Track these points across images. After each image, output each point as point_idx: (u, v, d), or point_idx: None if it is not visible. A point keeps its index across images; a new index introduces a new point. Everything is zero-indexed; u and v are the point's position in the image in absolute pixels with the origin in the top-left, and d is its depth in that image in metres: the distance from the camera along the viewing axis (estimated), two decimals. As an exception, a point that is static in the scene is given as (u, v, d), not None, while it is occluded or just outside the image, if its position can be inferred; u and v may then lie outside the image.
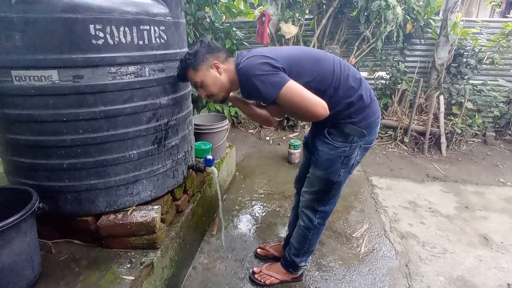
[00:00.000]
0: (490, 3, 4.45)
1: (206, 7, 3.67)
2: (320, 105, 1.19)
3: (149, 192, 1.50)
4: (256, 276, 1.67)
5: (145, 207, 1.45)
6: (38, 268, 1.21)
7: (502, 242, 2.06)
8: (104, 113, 1.30)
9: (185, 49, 1.65)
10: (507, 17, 4.38)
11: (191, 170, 1.77)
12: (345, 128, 1.30)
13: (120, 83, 1.31)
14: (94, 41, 1.22)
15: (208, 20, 3.71)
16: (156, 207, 1.44)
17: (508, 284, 1.71)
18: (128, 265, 1.29)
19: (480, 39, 3.84)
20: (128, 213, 1.40)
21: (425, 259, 1.89)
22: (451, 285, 1.69)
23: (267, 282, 1.65)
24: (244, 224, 2.21)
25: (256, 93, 1.21)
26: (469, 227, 2.22)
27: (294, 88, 1.17)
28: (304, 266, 1.66)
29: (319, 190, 1.44)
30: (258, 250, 1.88)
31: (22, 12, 1.14)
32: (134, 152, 1.40)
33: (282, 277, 1.67)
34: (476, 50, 3.82)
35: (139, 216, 1.39)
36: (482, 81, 3.99)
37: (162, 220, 1.49)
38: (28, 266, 1.14)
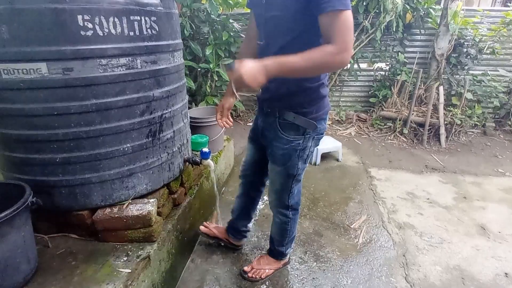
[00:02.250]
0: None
1: (202, -1, 3.62)
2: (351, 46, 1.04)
3: (144, 186, 1.49)
4: (249, 274, 1.66)
5: (141, 201, 1.44)
6: (35, 262, 1.21)
7: (499, 232, 2.06)
8: (96, 106, 1.28)
9: (178, 41, 1.63)
10: (508, 6, 4.32)
11: (187, 163, 1.76)
12: (295, 120, 1.26)
13: (112, 76, 1.29)
14: (82, 32, 1.19)
15: (204, 12, 3.66)
16: (152, 200, 1.44)
17: (506, 273, 1.71)
18: (125, 258, 1.29)
19: (480, 29, 3.79)
20: (124, 206, 1.40)
21: (422, 249, 1.89)
22: (447, 274, 1.70)
23: (263, 276, 1.66)
24: (242, 217, 2.21)
25: None
26: (466, 217, 2.22)
27: (351, 17, 1.01)
28: (290, 250, 1.71)
29: (282, 186, 1.44)
30: (201, 227, 1.86)
31: (8, 3, 1.11)
32: (128, 145, 1.39)
33: (274, 267, 1.70)
34: (477, 40, 3.77)
35: (135, 209, 1.38)
36: (483, 71, 3.95)
37: (159, 213, 1.49)
38: (24, 260, 1.14)
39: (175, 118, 1.59)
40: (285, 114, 1.28)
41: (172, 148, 1.59)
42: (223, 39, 3.65)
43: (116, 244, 1.38)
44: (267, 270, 1.68)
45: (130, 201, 1.44)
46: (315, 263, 1.77)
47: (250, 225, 1.84)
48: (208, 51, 3.60)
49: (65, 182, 1.34)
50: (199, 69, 3.78)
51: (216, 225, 1.93)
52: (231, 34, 3.79)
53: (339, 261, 1.79)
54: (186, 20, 3.38)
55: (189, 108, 2.28)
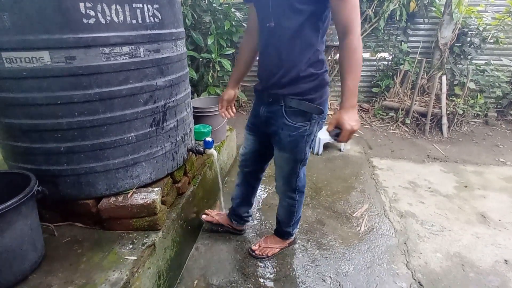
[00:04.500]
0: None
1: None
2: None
3: (148, 175, 1.50)
4: (256, 252, 1.73)
5: (145, 190, 1.45)
6: (41, 250, 1.23)
7: (499, 220, 2.08)
8: (99, 95, 1.28)
9: (181, 29, 1.61)
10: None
11: (191, 152, 1.76)
12: (301, 106, 1.27)
13: (115, 64, 1.28)
14: (85, 20, 1.18)
15: (206, 1, 3.61)
16: (156, 189, 1.45)
17: (505, 260, 1.73)
18: (130, 246, 1.31)
19: (485, 18, 3.73)
20: (129, 195, 1.41)
21: (423, 236, 1.91)
22: (448, 261, 1.72)
23: (269, 254, 1.72)
24: (245, 206, 2.23)
25: None
26: (467, 206, 2.24)
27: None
28: (296, 230, 1.77)
29: (290, 171, 1.48)
30: (203, 216, 1.88)
31: (10, -9, 1.10)
32: (132, 134, 1.39)
33: (280, 246, 1.76)
34: (481, 29, 3.73)
35: (139, 198, 1.39)
36: (486, 61, 3.92)
37: (163, 202, 1.50)
38: (31, 248, 1.16)
39: (179, 108, 1.59)
40: (291, 101, 1.28)
41: (176, 137, 1.60)
42: (225, 28, 3.61)
43: (121, 233, 1.40)
44: (273, 249, 1.74)
45: (135, 190, 1.45)
46: (317, 251, 1.80)
47: (251, 210, 1.88)
48: (210, 41, 3.56)
49: (69, 171, 1.35)
50: (201, 59, 3.75)
51: (217, 211, 1.96)
52: (233, 23, 3.74)
53: (341, 249, 1.81)
54: (188, 9, 3.34)
55: (191, 98, 2.28)
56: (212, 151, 1.71)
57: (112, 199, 1.41)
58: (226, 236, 1.90)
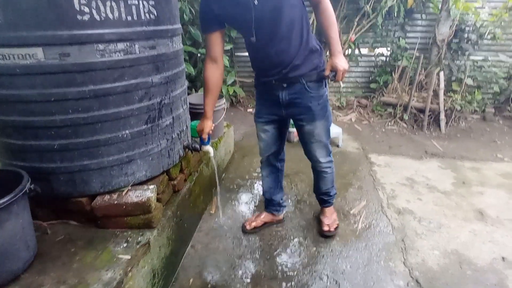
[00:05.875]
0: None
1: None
2: None
3: (144, 172, 1.48)
4: (331, 229, 1.85)
5: (140, 187, 1.44)
6: (34, 249, 1.21)
7: (497, 217, 2.08)
8: (93, 92, 1.26)
9: (177, 25, 1.59)
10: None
11: (187, 149, 1.75)
12: (319, 75, 1.48)
13: (109, 61, 1.26)
14: (79, 17, 1.17)
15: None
16: (151, 187, 1.44)
17: (503, 257, 1.73)
18: (125, 245, 1.29)
19: (482, 13, 3.72)
20: (123, 193, 1.40)
21: (421, 234, 1.91)
22: (445, 259, 1.72)
23: (337, 226, 1.89)
24: (242, 203, 2.22)
25: None
26: (465, 202, 2.24)
27: None
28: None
29: (326, 136, 1.65)
30: (247, 227, 1.89)
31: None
32: (127, 131, 1.37)
33: (335, 214, 1.96)
34: (478, 25, 3.71)
35: (134, 196, 1.38)
36: (483, 57, 3.91)
37: (158, 200, 1.49)
38: (23, 247, 1.14)
39: (174, 104, 1.57)
40: (308, 76, 1.47)
41: (172, 134, 1.58)
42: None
43: (115, 231, 1.38)
44: (336, 219, 1.93)
45: (130, 187, 1.43)
46: (314, 248, 1.79)
47: (284, 196, 2.00)
48: (207, 37, 3.53)
49: (63, 169, 1.33)
50: (199, 55, 3.72)
51: (254, 216, 1.97)
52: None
53: (338, 246, 1.81)
54: (186, 5, 3.30)
55: (188, 94, 2.26)
56: (209, 148, 1.70)
57: (107, 197, 1.39)
58: (223, 234, 1.90)
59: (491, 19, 3.74)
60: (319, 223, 1.92)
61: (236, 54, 4.24)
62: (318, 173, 1.79)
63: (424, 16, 3.96)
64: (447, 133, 3.54)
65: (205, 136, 1.62)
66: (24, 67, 1.17)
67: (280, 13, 1.31)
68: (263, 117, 1.65)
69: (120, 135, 1.36)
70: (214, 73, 1.50)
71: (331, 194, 1.89)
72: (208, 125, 1.60)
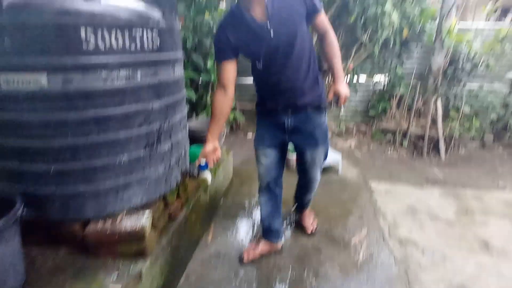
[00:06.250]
0: (484, 9, 4.46)
1: (206, 12, 3.66)
2: None
3: (140, 198, 1.45)
4: (312, 230, 2.06)
5: (135, 214, 1.40)
6: (22, 276, 1.16)
7: (503, 248, 2.02)
8: (94, 117, 1.27)
9: (179, 53, 1.63)
10: (503, 21, 4.39)
11: (184, 175, 1.73)
12: (321, 104, 1.58)
13: (111, 87, 1.28)
14: (85, 45, 1.20)
15: (207, 26, 3.70)
16: (146, 213, 1.40)
17: (510, 292, 1.66)
18: (116, 275, 1.24)
19: (475, 43, 3.84)
20: (117, 220, 1.36)
21: (425, 266, 1.84)
22: (451, 293, 1.65)
23: (315, 227, 2.11)
24: (240, 231, 2.16)
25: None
26: (469, 233, 2.18)
27: None
28: None
29: (324, 158, 1.75)
30: (244, 257, 1.82)
31: (13, 17, 1.12)
32: (125, 156, 1.36)
33: (313, 213, 2.19)
34: (471, 55, 3.82)
35: (128, 223, 1.34)
36: (478, 85, 3.98)
37: (153, 227, 1.44)
38: (12, 275, 1.10)
39: (174, 130, 1.58)
40: (313, 104, 1.55)
41: (170, 160, 1.57)
42: (224, 51, 3.68)
43: (107, 259, 1.33)
44: (315, 219, 2.16)
45: (124, 214, 1.40)
46: (314, 279, 1.72)
47: (282, 225, 2.05)
48: (209, 63, 3.62)
49: (58, 194, 1.31)
50: (200, 81, 3.80)
51: (250, 246, 1.91)
52: (232, 46, 3.82)
53: (338, 279, 1.73)
54: (189, 33, 3.41)
55: (188, 118, 2.27)
56: (207, 174, 1.68)
57: (100, 223, 1.36)
58: (219, 263, 1.83)
59: (484, 50, 3.85)
60: (302, 228, 2.09)
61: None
62: (307, 183, 1.89)
63: (419, 46, 4.08)
64: (447, 160, 3.53)
65: (211, 164, 1.57)
66: (26, 92, 1.19)
67: (293, 45, 1.39)
68: (265, 142, 1.66)
69: (117, 160, 1.34)
70: (223, 100, 1.50)
71: (309, 201, 2.03)
72: (211, 151, 1.54)
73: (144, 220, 1.35)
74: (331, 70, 1.56)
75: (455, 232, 2.19)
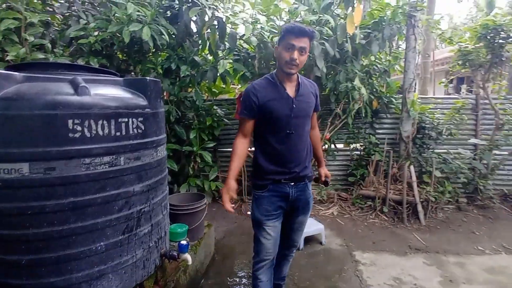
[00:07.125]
0: (440, 83, 5.07)
1: (189, 88, 3.93)
2: None
3: (115, 288, 1.39)
4: None
5: (109, 306, 1.32)
6: None
7: (492, 322, 1.97)
8: (73, 205, 1.27)
9: (162, 136, 1.72)
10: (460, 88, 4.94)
11: (164, 257, 1.68)
12: (313, 177, 1.82)
13: (93, 174, 1.32)
14: (71, 135, 1.26)
15: (190, 100, 3.94)
16: (121, 305, 1.32)
17: None
18: None
19: (436, 114, 4.26)
20: (89, 315, 1.27)
21: None
22: None
23: None
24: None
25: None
26: (457, 306, 2.13)
27: None
28: None
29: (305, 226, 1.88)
30: None
31: (2, 109, 1.18)
32: (102, 244, 1.34)
33: None
34: (435, 124, 4.20)
35: (100, 318, 1.26)
36: (446, 151, 4.29)
37: (127, 321, 1.35)
38: None
39: (154, 211, 1.58)
40: (309, 174, 1.76)
41: (149, 243, 1.54)
42: (207, 123, 3.87)
43: None
44: None
45: (97, 307, 1.32)
46: None
47: None
48: (192, 135, 3.76)
49: (27, 287, 1.24)
50: (183, 151, 3.89)
51: None
52: (215, 119, 4.04)
53: None
54: (173, 107, 3.61)
55: (170, 190, 2.27)
56: (187, 256, 1.65)
57: (70, 320, 1.26)
58: None
59: (445, 119, 4.26)
60: None
61: (219, 149, 4.45)
62: (285, 258, 1.94)
63: (389, 115, 4.47)
64: (427, 225, 3.59)
65: (229, 208, 1.63)
66: (6, 181, 1.19)
67: (305, 122, 1.70)
68: (272, 215, 1.69)
69: (93, 248, 1.32)
70: (243, 144, 1.72)
71: (284, 278, 2.03)
72: (234, 187, 1.68)
73: (117, 314, 1.27)
74: (315, 156, 1.93)
75: (443, 305, 2.13)
